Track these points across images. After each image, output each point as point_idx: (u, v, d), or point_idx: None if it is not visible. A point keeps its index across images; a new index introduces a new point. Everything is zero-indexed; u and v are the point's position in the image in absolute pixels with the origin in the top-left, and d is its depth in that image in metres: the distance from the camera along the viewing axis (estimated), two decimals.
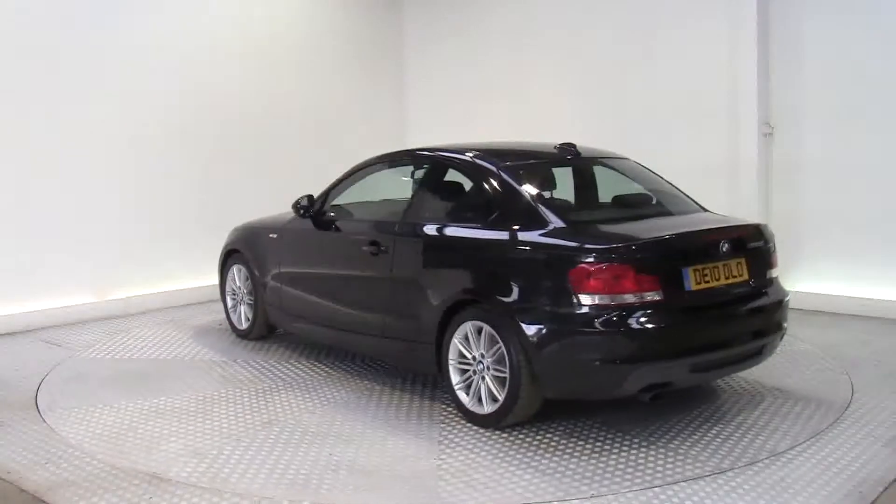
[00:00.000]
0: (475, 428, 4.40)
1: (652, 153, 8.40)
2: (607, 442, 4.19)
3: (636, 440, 4.21)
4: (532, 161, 5.21)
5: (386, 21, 10.46)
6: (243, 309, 6.53)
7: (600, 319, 3.98)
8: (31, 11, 7.11)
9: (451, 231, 4.85)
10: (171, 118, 8.14)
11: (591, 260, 4.03)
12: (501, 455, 4.04)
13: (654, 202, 5.15)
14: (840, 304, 7.21)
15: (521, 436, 4.28)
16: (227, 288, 6.72)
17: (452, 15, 10.16)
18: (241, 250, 6.53)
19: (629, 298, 3.99)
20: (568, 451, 4.08)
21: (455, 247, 4.77)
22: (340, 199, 5.84)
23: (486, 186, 4.81)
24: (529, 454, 4.05)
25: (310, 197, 5.90)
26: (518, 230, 4.43)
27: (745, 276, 4.43)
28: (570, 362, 4.11)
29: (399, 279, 4.95)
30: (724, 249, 4.32)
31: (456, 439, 4.27)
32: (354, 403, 4.89)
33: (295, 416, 4.69)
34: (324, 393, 5.11)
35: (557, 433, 4.31)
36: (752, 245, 4.56)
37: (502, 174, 4.75)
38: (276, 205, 8.93)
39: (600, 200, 5.28)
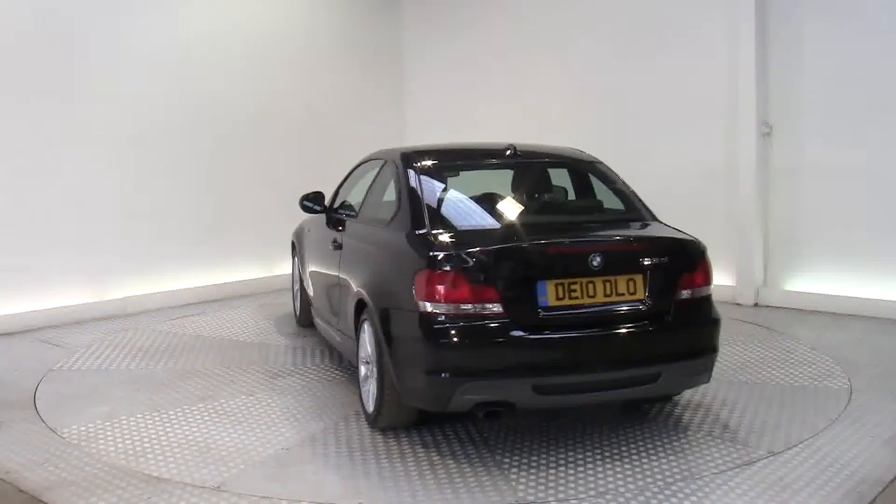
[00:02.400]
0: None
1: (651, 153, 8.46)
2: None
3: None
4: (456, 163, 5.09)
5: (385, 21, 10.47)
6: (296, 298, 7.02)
7: (434, 328, 3.78)
8: (32, 12, 7.11)
9: (363, 231, 5.00)
10: (170, 118, 8.14)
11: (429, 266, 3.85)
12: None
13: (580, 208, 4.94)
14: (840, 304, 7.21)
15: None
16: (294, 276, 7.13)
17: (452, 15, 10.16)
18: (295, 242, 6.97)
19: (464, 309, 3.76)
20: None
21: (362, 247, 4.87)
22: (351, 198, 5.87)
23: (395, 187, 4.79)
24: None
25: (317, 193, 5.89)
26: (399, 232, 4.35)
27: (640, 295, 3.98)
28: (410, 370, 3.94)
29: (342, 276, 5.06)
30: (595, 264, 3.87)
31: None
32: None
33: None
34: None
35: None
36: (652, 261, 4.04)
37: (407, 175, 4.62)
38: (276, 204, 8.97)
39: (520, 204, 4.82)
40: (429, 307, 3.81)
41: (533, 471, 3.84)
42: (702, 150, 8.09)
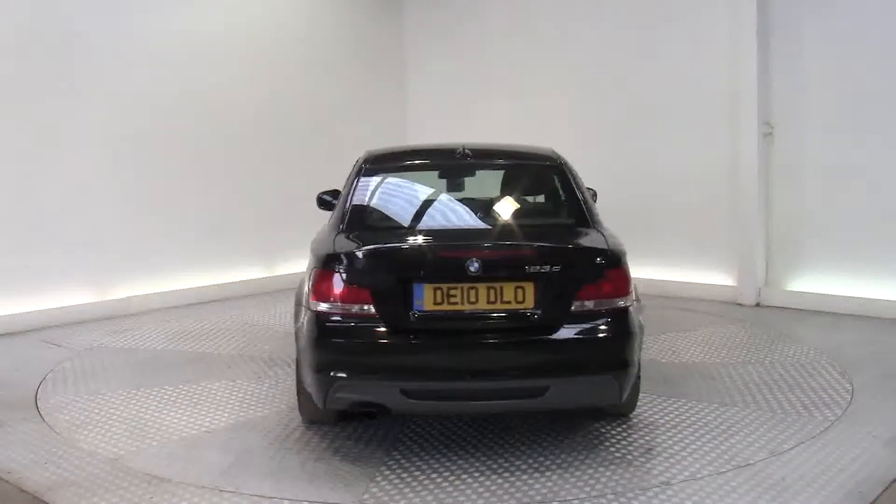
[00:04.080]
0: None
1: (652, 153, 8.46)
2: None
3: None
4: (403, 164, 5.08)
5: (386, 21, 10.47)
6: None
7: (317, 326, 3.84)
8: (32, 12, 7.12)
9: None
10: (171, 118, 8.15)
11: (319, 265, 3.95)
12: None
13: (509, 212, 4.78)
14: (840, 304, 7.21)
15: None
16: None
17: (452, 15, 10.17)
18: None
19: (343, 309, 3.82)
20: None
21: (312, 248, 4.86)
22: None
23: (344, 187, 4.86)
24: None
25: (335, 191, 5.70)
26: (324, 232, 4.47)
27: (529, 304, 3.80)
28: (304, 367, 4.01)
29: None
30: (473, 269, 3.74)
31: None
32: None
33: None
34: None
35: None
36: (544, 270, 3.84)
37: (353, 177, 4.68)
38: (278, 205, 8.98)
39: (447, 206, 4.79)
40: (317, 306, 3.87)
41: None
42: (703, 150, 8.09)
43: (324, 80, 9.67)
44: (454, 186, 5.10)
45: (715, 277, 8.04)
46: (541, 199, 5.00)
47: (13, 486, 3.76)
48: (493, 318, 3.82)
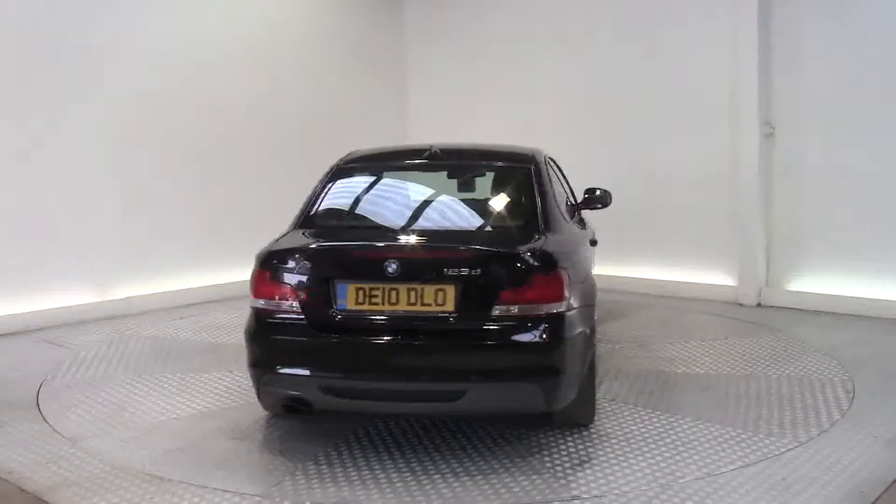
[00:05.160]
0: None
1: (653, 153, 8.46)
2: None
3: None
4: (372, 164, 5.12)
5: (387, 21, 10.48)
6: None
7: (253, 322, 4.05)
8: (32, 12, 7.12)
9: None
10: (171, 118, 8.15)
11: (255, 265, 4.13)
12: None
13: (456, 214, 4.70)
14: (840, 304, 7.21)
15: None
16: None
17: (453, 15, 10.17)
18: None
19: (272, 306, 3.97)
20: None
21: None
22: None
23: None
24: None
25: None
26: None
27: (449, 307, 3.76)
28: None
29: None
30: (391, 271, 3.77)
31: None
32: None
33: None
34: None
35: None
36: (465, 273, 3.78)
37: (323, 178, 4.81)
38: (278, 205, 8.94)
39: (398, 206, 4.86)
40: (255, 303, 4.06)
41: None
42: (704, 151, 8.09)
43: (324, 81, 9.67)
44: (421, 188, 5.11)
45: (716, 277, 8.04)
46: (499, 200, 4.90)
47: (13, 486, 3.76)
48: (413, 319, 3.82)
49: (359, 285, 3.84)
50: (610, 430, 4.34)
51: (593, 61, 8.89)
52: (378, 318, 3.84)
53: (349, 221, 4.68)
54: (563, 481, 3.71)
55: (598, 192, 5.60)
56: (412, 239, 4.30)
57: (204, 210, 8.47)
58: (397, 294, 3.81)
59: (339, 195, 4.77)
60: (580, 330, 3.98)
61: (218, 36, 8.58)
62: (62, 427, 4.52)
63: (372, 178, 4.96)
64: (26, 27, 7.09)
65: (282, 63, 9.21)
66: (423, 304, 3.79)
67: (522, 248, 3.97)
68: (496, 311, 3.76)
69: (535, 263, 3.87)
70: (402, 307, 3.81)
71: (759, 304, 7.71)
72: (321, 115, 9.60)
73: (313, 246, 4.23)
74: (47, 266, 7.25)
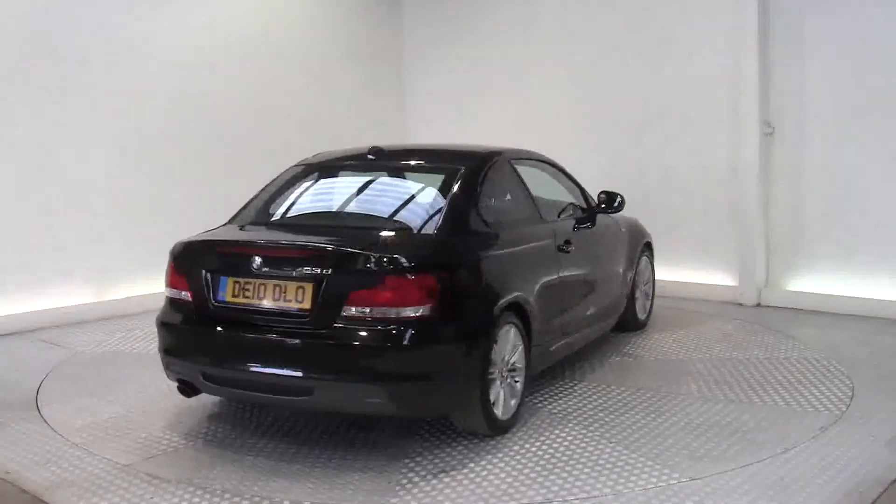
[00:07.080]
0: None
1: (653, 153, 8.46)
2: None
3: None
4: (321, 165, 5.30)
5: (386, 21, 10.47)
6: None
7: (161, 309, 4.51)
8: (32, 12, 7.11)
9: None
10: (171, 118, 8.14)
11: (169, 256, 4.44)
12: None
13: (361, 215, 4.82)
14: (841, 305, 7.21)
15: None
16: None
17: (452, 15, 10.16)
18: None
19: (172, 294, 4.37)
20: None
21: None
22: None
23: None
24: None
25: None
26: None
27: (306, 305, 3.85)
28: None
29: None
30: (255, 266, 3.97)
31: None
32: None
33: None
34: None
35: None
36: (321, 272, 3.85)
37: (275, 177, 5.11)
38: None
39: (318, 205, 5.07)
40: (166, 292, 4.44)
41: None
42: (704, 151, 8.09)
43: (323, 80, 9.66)
44: (349, 187, 5.15)
45: (715, 277, 8.04)
46: (413, 201, 4.77)
47: (13, 486, 3.76)
48: (273, 314, 3.98)
49: (236, 279, 4.07)
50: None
51: (593, 61, 8.88)
52: (247, 311, 4.04)
53: (268, 218, 4.86)
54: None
55: (610, 196, 5.79)
56: (285, 236, 4.50)
57: (203, 209, 8.44)
58: (265, 289, 3.99)
59: (275, 193, 5.01)
60: (463, 335, 3.94)
61: (218, 37, 8.56)
62: (61, 427, 4.53)
63: (311, 179, 5.16)
64: (26, 27, 7.07)
65: (282, 63, 9.19)
66: (285, 300, 3.94)
67: (384, 251, 3.98)
68: (349, 311, 3.79)
69: (391, 266, 3.83)
70: (268, 302, 3.98)
71: (758, 304, 7.71)
72: (321, 115, 9.58)
73: (202, 240, 4.45)
74: (46, 266, 7.24)
